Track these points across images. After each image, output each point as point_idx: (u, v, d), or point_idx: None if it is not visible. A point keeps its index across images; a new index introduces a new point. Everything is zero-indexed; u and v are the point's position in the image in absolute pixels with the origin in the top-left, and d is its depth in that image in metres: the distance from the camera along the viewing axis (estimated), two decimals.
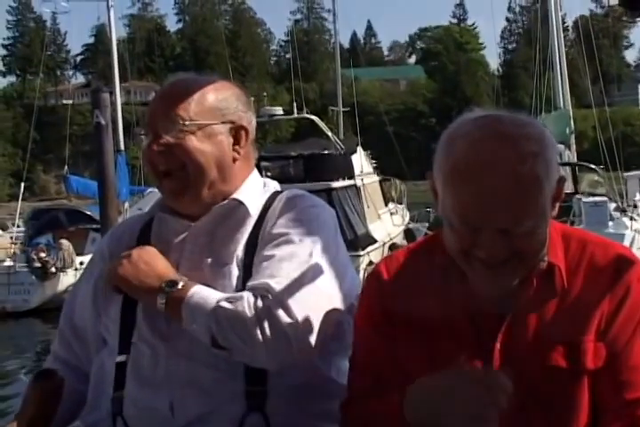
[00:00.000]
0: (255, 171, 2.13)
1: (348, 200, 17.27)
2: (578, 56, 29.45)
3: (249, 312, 1.83)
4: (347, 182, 17.58)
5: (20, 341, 16.40)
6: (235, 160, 2.04)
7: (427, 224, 22.31)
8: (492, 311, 1.69)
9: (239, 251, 1.99)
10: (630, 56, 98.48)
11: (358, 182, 18.39)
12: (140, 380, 1.96)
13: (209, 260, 2.00)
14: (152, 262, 1.97)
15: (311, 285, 1.89)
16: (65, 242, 19.77)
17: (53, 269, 19.37)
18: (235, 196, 2.03)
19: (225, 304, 1.86)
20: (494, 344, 1.68)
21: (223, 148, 2.02)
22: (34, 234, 21.13)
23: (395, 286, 1.78)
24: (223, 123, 2.02)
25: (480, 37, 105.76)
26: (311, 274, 1.91)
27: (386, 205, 22.31)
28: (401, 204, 25.24)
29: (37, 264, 19.39)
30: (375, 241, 17.30)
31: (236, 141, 2.04)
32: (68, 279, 18.52)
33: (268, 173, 14.52)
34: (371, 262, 14.70)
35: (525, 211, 1.58)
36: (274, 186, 2.15)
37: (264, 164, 16.19)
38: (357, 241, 15.91)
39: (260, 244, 1.98)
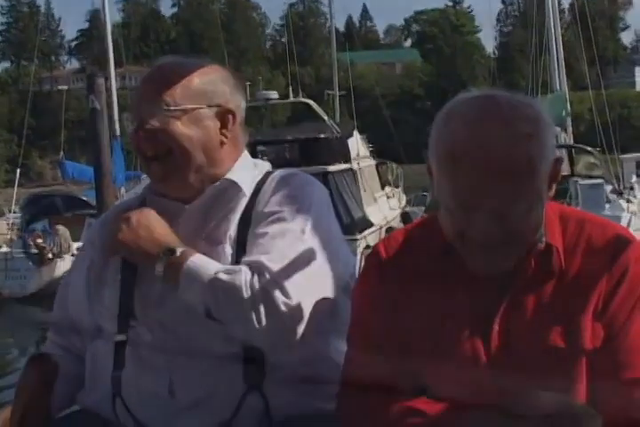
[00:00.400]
0: (246, 153, 2.13)
1: (345, 184, 17.25)
2: (574, 38, 29.39)
3: (244, 288, 1.84)
4: (343, 166, 17.56)
5: (18, 326, 16.40)
6: (222, 144, 2.04)
7: (423, 208, 22.30)
8: (490, 293, 1.69)
9: (232, 230, 1.99)
10: (626, 38, 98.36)
11: (355, 166, 18.37)
12: (139, 363, 1.96)
13: (203, 239, 2.00)
14: (151, 227, 1.97)
15: (305, 262, 1.90)
16: (61, 228, 19.75)
17: (50, 255, 19.35)
18: (227, 176, 2.03)
19: (222, 276, 1.87)
20: (493, 326, 1.69)
21: (209, 132, 2.02)
22: (30, 220, 21.11)
23: (394, 266, 1.77)
24: (209, 106, 2.02)
25: (476, 20, 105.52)
26: (305, 251, 1.91)
27: (382, 188, 22.30)
28: (397, 187, 25.23)
29: (34, 250, 19.37)
30: (372, 225, 17.30)
31: (223, 125, 2.04)
32: (64, 265, 18.50)
33: (265, 158, 14.49)
34: (368, 246, 14.71)
35: (520, 192, 1.58)
36: (266, 166, 2.14)
37: (260, 148, 16.18)
38: (354, 225, 15.91)
39: (253, 222, 1.98)
